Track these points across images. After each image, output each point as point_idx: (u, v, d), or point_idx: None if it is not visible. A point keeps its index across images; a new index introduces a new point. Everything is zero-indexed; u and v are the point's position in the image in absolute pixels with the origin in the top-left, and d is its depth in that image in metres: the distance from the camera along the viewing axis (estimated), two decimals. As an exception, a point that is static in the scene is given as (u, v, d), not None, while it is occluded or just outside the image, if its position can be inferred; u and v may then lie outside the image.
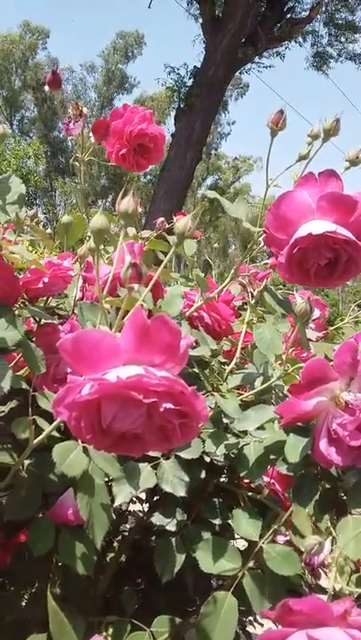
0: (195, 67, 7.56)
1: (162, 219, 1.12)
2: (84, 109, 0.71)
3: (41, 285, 0.65)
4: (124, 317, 0.46)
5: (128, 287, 0.42)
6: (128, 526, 0.79)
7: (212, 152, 23.38)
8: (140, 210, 0.51)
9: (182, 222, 0.51)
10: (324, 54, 10.10)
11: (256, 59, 8.75)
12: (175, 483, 0.60)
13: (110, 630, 0.58)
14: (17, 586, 0.62)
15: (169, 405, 0.39)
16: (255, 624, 0.87)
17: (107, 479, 0.58)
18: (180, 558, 0.62)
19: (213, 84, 7.13)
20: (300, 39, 9.66)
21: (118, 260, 0.52)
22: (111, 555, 0.70)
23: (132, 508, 0.79)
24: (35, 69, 23.16)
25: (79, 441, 0.53)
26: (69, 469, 0.50)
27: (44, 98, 22.72)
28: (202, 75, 7.18)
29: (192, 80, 7.42)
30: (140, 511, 0.81)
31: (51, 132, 23.51)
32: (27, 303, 0.66)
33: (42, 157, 15.94)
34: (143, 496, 0.77)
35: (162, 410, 0.39)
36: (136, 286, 0.42)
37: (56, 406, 0.39)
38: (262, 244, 0.75)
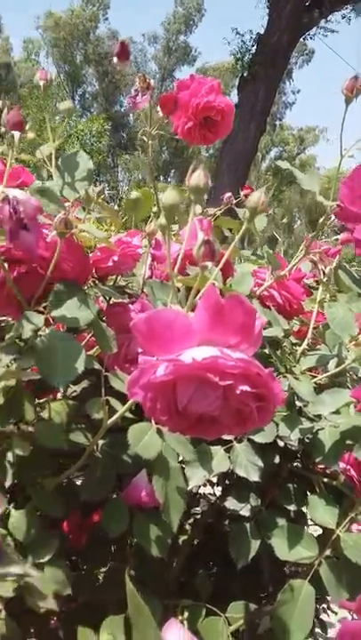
0: (258, 33, 7.31)
1: (229, 194, 1.09)
2: (152, 81, 0.69)
3: (110, 264, 0.64)
4: (196, 296, 0.45)
5: (201, 265, 0.40)
6: (199, 509, 0.78)
7: (277, 122, 22.65)
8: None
9: (255, 196, 0.48)
10: None
11: (321, 23, 8.35)
12: (249, 467, 0.59)
13: (186, 614, 0.58)
14: (90, 566, 0.63)
15: (245, 388, 0.38)
16: (328, 612, 0.85)
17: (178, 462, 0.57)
18: (255, 544, 0.61)
19: (278, 51, 6.86)
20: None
21: (189, 237, 0.50)
22: (183, 538, 0.70)
23: (202, 490, 0.78)
24: (96, 42, 22.99)
25: (153, 422, 0.52)
26: (144, 451, 0.50)
27: (105, 71, 22.57)
28: (265, 42, 6.91)
29: (255, 47, 7.18)
30: (210, 494, 0.80)
31: (112, 107, 23.40)
32: (96, 282, 0.66)
33: (105, 134, 16.02)
34: (214, 479, 0.76)
35: (238, 392, 0.38)
36: (209, 264, 0.40)
37: (131, 387, 0.38)
38: (333, 218, 0.72)
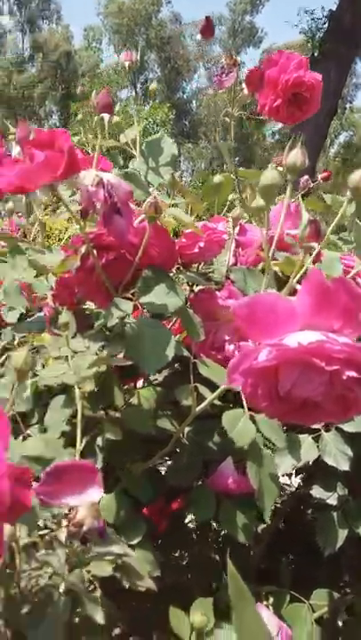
0: (330, 10, 7.03)
1: (306, 177, 1.06)
2: (238, 59, 0.67)
3: (196, 250, 0.63)
4: (294, 280, 0.43)
5: (305, 246, 0.39)
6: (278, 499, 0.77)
7: (347, 105, 21.68)
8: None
9: (358, 175, 0.46)
10: None
11: None
12: (338, 456, 0.57)
13: (270, 600, 0.58)
14: (171, 549, 0.64)
15: (352, 374, 0.36)
16: None
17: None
18: (343, 533, 0.60)
19: (351, 30, 6.58)
20: None
21: (286, 219, 0.48)
22: (263, 526, 0.69)
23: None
24: (158, 27, 22.61)
25: (245, 408, 0.51)
26: (239, 438, 0.49)
27: (167, 57, 22.26)
28: (337, 19, 6.64)
29: (327, 25, 6.91)
30: (285, 484, 0.79)
31: (174, 95, 23.03)
32: (181, 269, 0.65)
33: (169, 122, 15.95)
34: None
35: (345, 378, 0.36)
36: (315, 245, 0.39)
37: (231, 373, 0.38)
38: None
